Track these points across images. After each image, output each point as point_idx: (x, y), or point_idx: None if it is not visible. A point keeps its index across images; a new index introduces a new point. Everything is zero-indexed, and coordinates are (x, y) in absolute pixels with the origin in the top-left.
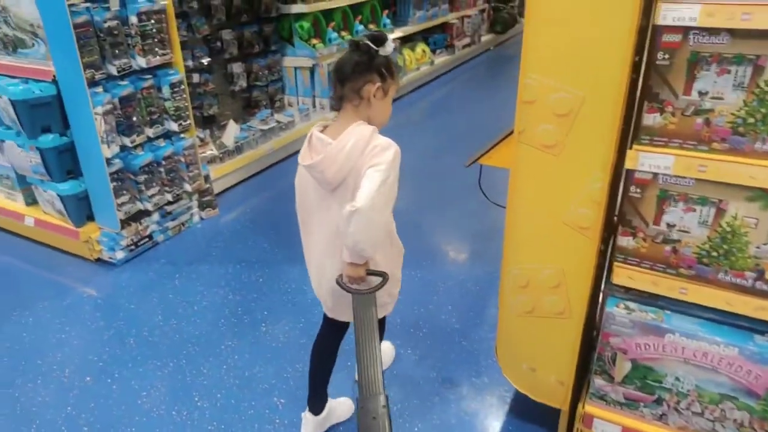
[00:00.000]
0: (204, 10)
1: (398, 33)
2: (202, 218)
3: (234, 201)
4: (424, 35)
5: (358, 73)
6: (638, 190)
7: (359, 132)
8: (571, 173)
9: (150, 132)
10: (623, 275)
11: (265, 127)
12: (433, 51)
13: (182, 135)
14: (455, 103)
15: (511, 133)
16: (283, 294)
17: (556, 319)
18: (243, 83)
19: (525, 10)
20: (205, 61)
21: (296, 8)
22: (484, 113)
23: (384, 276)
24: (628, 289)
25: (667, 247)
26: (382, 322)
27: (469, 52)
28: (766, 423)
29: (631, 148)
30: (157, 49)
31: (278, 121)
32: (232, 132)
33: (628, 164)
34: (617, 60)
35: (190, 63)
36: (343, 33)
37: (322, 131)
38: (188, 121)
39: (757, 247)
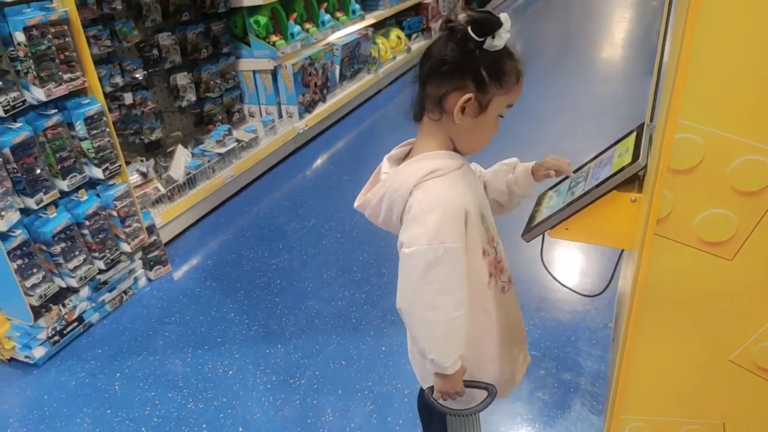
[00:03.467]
0: (133, 11)
1: (370, 20)
2: (150, 280)
3: (189, 249)
4: (398, 19)
5: (442, 74)
6: None
7: (405, 175)
8: (758, 287)
9: (64, 185)
10: None
11: (223, 150)
12: (409, 36)
13: (111, 182)
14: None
15: (602, 194)
16: (267, 392)
17: None
18: (192, 96)
19: (683, 11)
20: (140, 75)
21: (249, 0)
22: None
23: (489, 389)
24: None
25: None
26: None
27: None
28: None
29: None
30: (60, 73)
31: (238, 140)
32: (181, 161)
33: None
34: None
35: (119, 80)
36: (308, 26)
37: (404, 156)
38: (117, 163)
39: None
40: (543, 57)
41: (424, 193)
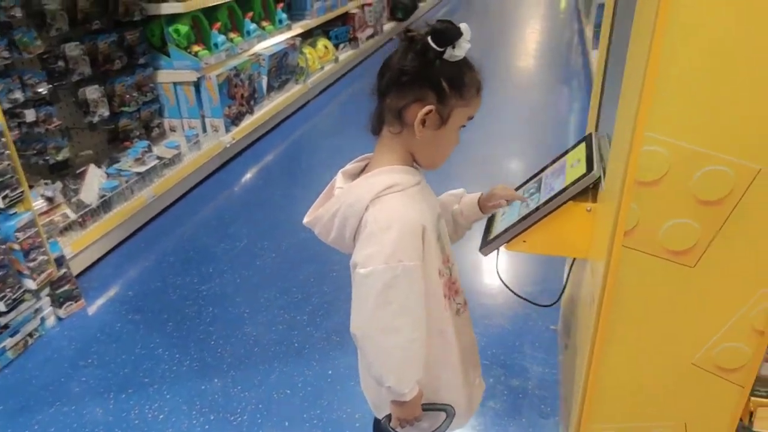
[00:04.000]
0: (35, 19)
1: (297, 29)
2: (60, 318)
3: (106, 280)
4: (325, 29)
5: (402, 85)
6: None
7: (361, 189)
8: (717, 292)
9: None
10: (765, 415)
11: (142, 168)
12: (336, 46)
13: (12, 211)
14: (366, 109)
15: (559, 206)
16: None
17: None
18: (104, 111)
19: (644, 32)
20: (43, 89)
21: (168, 8)
22: None
23: (447, 410)
24: None
25: None
26: None
27: (374, 44)
28: None
29: None
30: None
31: (159, 157)
32: (94, 182)
33: None
34: None
35: (19, 95)
36: (233, 35)
37: (360, 171)
38: (19, 190)
39: None
40: None
41: (380, 209)
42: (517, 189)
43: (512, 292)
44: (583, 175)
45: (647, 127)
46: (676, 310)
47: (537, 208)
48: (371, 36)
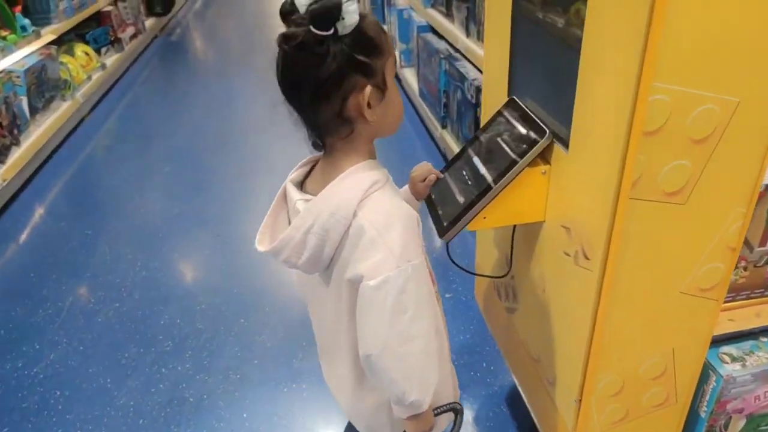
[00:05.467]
0: None
1: (48, 36)
2: None
3: None
4: (79, 32)
5: (327, 92)
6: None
7: (341, 194)
8: (702, 221)
9: None
10: (722, 320)
11: None
12: (98, 51)
13: None
14: (154, 118)
15: (517, 174)
16: None
17: (654, 413)
18: None
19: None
20: None
21: None
22: (200, 126)
23: (456, 410)
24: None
25: None
26: None
27: (139, 44)
28: None
29: None
30: None
31: None
32: None
33: None
34: None
35: None
36: None
37: (303, 178)
38: None
39: None
40: (232, 54)
41: (373, 210)
42: (442, 171)
43: (466, 271)
44: (535, 141)
45: (655, 76)
46: (669, 246)
47: (490, 186)
48: (134, 35)
